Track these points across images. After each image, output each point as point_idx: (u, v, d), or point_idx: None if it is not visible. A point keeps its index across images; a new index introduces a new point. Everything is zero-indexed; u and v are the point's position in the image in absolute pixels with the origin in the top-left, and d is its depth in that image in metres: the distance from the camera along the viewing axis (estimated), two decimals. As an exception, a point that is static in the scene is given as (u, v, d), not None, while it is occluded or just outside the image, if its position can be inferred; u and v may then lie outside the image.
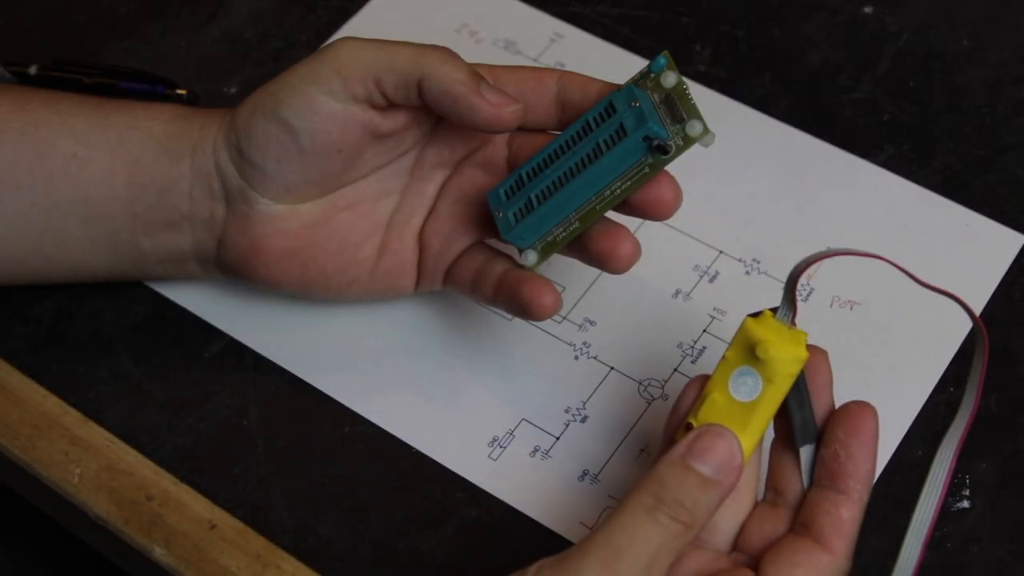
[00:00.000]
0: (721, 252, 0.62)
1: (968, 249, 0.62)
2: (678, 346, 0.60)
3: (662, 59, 0.53)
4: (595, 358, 0.60)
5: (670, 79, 0.52)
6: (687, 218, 0.63)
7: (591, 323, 0.61)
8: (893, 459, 0.56)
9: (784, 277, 0.62)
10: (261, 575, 0.55)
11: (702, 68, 0.69)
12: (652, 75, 0.53)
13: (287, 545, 0.55)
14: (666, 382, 0.59)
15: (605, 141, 0.52)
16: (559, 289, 0.61)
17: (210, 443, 0.58)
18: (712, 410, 0.47)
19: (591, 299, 0.61)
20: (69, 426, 0.59)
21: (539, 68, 0.55)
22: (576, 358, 0.60)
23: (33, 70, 0.67)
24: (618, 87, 0.54)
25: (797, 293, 0.48)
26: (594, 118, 0.53)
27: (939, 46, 0.69)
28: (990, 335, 0.60)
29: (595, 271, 0.61)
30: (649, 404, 0.58)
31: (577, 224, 0.53)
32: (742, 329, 0.48)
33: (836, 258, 0.62)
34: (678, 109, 0.52)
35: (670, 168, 0.52)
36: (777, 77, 0.68)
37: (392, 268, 0.57)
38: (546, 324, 0.60)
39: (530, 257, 0.55)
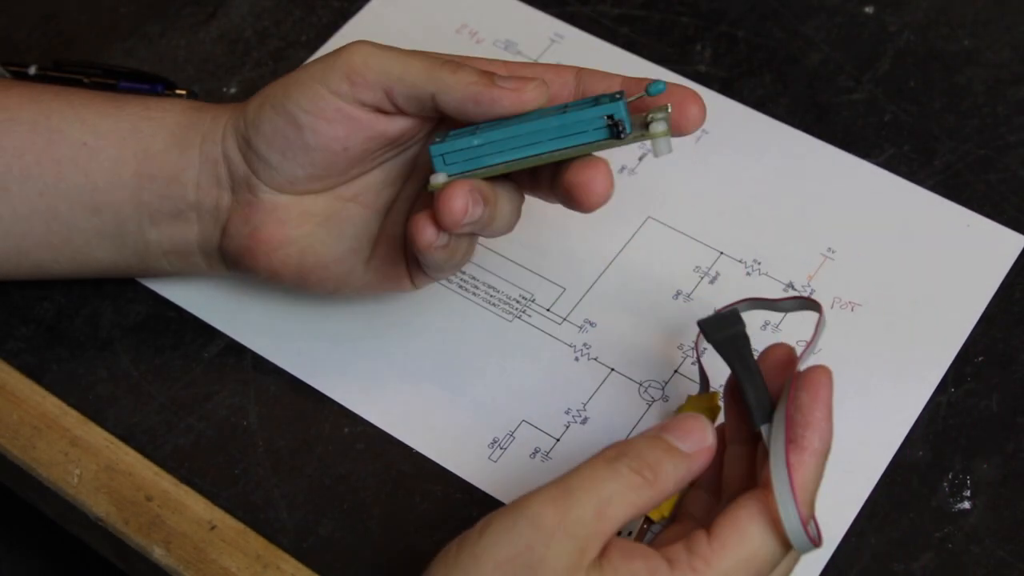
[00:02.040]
0: (722, 253, 0.62)
1: (969, 250, 0.62)
2: (679, 347, 0.60)
3: (661, 84, 0.52)
4: (595, 359, 0.60)
5: (660, 127, 0.51)
6: (687, 219, 0.63)
7: (591, 324, 0.61)
8: (894, 460, 0.56)
9: (785, 278, 0.62)
10: (261, 575, 0.55)
11: (702, 68, 0.69)
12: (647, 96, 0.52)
13: (287, 545, 0.55)
14: (666, 383, 0.59)
15: (569, 106, 0.52)
16: (559, 290, 0.61)
17: (210, 444, 0.58)
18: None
19: (591, 300, 0.61)
20: (69, 427, 0.59)
21: (557, 64, 0.55)
22: (576, 359, 0.60)
23: (32, 70, 0.67)
24: (637, 80, 0.53)
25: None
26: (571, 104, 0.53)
27: (939, 46, 0.69)
28: (991, 335, 0.60)
29: (595, 273, 0.61)
30: (649, 405, 0.58)
31: (502, 171, 0.52)
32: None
33: (837, 258, 0.62)
34: (647, 125, 0.51)
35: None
36: (777, 77, 0.68)
37: (387, 256, 0.57)
38: (546, 325, 0.60)
39: (439, 179, 0.52)
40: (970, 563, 0.54)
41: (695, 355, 0.58)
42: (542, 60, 0.69)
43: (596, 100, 0.52)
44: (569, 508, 0.45)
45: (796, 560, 0.48)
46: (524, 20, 0.71)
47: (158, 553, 0.56)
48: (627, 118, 0.51)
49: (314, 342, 0.60)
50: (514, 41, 0.70)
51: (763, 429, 0.48)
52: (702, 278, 0.62)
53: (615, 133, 0.51)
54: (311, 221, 0.56)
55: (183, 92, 0.67)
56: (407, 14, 0.72)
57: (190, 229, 0.57)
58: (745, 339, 0.50)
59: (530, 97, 0.52)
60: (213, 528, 0.56)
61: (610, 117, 0.51)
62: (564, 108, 0.52)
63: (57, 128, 0.57)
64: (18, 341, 0.61)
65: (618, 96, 0.52)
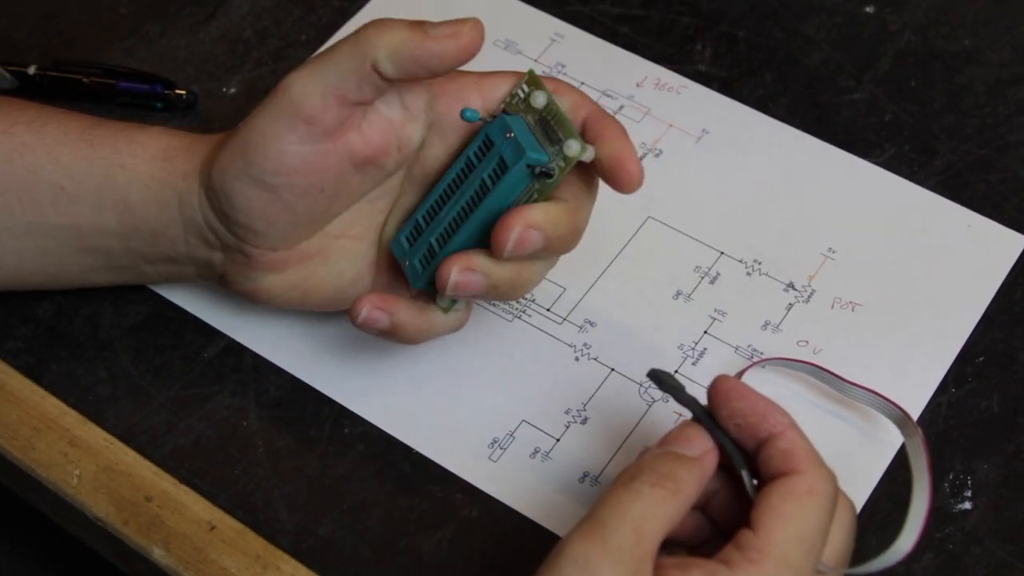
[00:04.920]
0: (722, 253, 0.62)
1: (969, 250, 0.62)
2: (679, 347, 0.60)
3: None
4: (596, 359, 0.60)
5: (540, 99, 0.53)
6: (688, 219, 0.63)
7: (591, 324, 0.60)
8: (895, 460, 0.56)
9: (786, 278, 0.62)
10: (261, 575, 0.55)
11: (702, 68, 0.69)
12: (523, 96, 0.53)
13: (287, 546, 0.55)
14: (666, 383, 0.59)
15: (489, 176, 0.52)
16: (559, 290, 0.61)
17: (209, 444, 0.58)
18: None
19: (591, 300, 0.61)
20: (68, 427, 0.59)
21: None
22: (577, 359, 0.60)
23: (32, 70, 0.67)
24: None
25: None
26: (474, 153, 0.53)
27: (939, 46, 0.69)
28: (992, 335, 0.60)
29: (595, 273, 0.61)
30: (650, 406, 0.58)
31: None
32: None
33: (837, 258, 0.62)
34: (553, 129, 0.52)
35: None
36: (777, 77, 0.68)
37: (388, 284, 0.57)
38: (546, 325, 0.60)
39: (443, 303, 0.55)
40: (971, 564, 0.54)
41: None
42: (542, 59, 0.69)
43: (487, 141, 0.53)
44: (607, 538, 0.44)
45: (851, 526, 0.49)
46: (524, 20, 0.71)
47: (158, 553, 0.56)
48: (543, 156, 0.52)
49: (314, 342, 0.60)
50: (514, 41, 0.70)
51: (744, 474, 0.48)
52: (702, 278, 0.62)
53: (546, 176, 0.52)
54: (310, 262, 0.56)
55: (182, 92, 0.67)
56: (407, 14, 0.71)
57: (186, 269, 0.58)
58: (696, 400, 0.50)
59: (468, 40, 0.51)
60: (213, 528, 0.56)
61: (530, 167, 0.52)
62: (482, 183, 0.53)
63: (32, 168, 0.56)
64: (18, 341, 0.61)
65: (510, 135, 0.52)
